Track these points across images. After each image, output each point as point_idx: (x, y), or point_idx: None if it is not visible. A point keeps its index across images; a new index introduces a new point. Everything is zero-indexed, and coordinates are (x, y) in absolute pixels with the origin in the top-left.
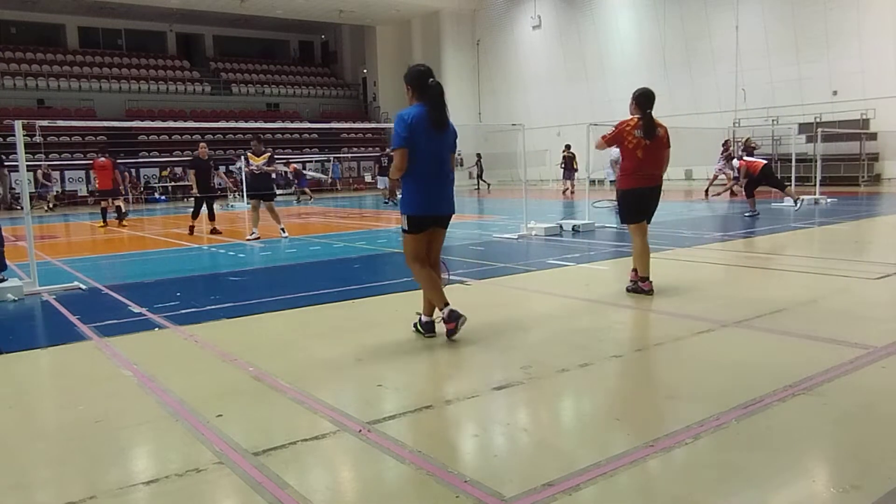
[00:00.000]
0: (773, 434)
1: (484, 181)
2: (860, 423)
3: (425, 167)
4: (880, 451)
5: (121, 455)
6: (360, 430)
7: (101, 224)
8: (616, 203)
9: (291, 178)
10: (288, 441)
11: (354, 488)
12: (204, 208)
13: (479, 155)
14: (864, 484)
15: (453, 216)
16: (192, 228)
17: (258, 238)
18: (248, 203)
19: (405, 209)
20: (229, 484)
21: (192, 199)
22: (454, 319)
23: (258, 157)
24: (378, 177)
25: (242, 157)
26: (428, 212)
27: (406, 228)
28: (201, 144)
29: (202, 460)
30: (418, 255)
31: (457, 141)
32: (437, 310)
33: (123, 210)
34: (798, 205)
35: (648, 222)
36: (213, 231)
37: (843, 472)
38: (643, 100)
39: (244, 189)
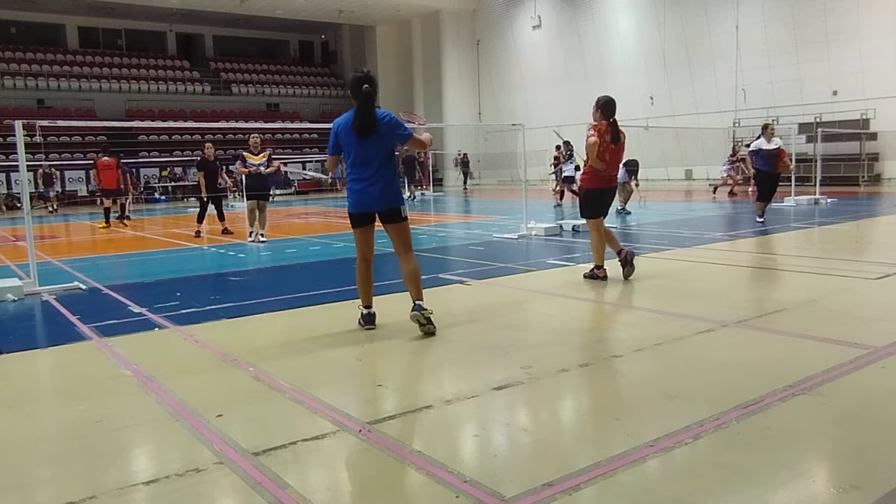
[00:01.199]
0: (773, 434)
1: (468, 179)
2: (860, 423)
3: (354, 169)
4: (880, 451)
5: (121, 455)
6: (360, 430)
7: (104, 224)
8: (580, 199)
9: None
10: (288, 441)
11: (354, 488)
12: (212, 209)
13: (464, 154)
14: (864, 484)
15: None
16: (198, 233)
17: (264, 240)
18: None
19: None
20: (229, 484)
21: (194, 199)
22: (368, 323)
23: (257, 156)
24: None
25: (239, 159)
26: (357, 209)
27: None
28: (207, 145)
29: (202, 460)
30: (360, 250)
31: (401, 133)
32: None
33: (126, 210)
34: (761, 219)
35: (605, 216)
36: (225, 231)
37: (843, 472)
38: (608, 108)
39: (243, 189)
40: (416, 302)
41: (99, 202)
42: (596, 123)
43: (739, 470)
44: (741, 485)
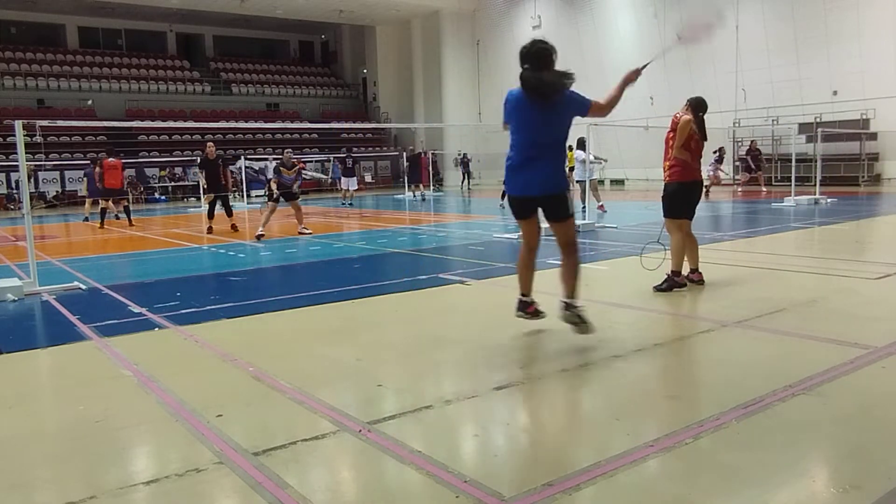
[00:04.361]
0: (773, 434)
1: (468, 180)
2: (860, 423)
3: (521, 144)
4: (880, 451)
5: (121, 455)
6: (360, 430)
7: (100, 225)
8: (664, 197)
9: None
10: (288, 441)
11: (354, 488)
12: (220, 207)
13: (464, 154)
14: (864, 484)
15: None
16: (210, 229)
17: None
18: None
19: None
20: (229, 484)
21: (194, 199)
22: (521, 309)
23: (290, 170)
24: (342, 178)
25: (275, 172)
26: (516, 192)
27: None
28: (209, 144)
29: (202, 460)
30: (526, 239)
31: (582, 101)
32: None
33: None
34: None
35: (692, 218)
36: (233, 227)
37: (843, 472)
38: (698, 107)
39: (270, 193)
40: (566, 301)
41: (111, 202)
42: (679, 113)
43: (739, 470)
44: (741, 485)
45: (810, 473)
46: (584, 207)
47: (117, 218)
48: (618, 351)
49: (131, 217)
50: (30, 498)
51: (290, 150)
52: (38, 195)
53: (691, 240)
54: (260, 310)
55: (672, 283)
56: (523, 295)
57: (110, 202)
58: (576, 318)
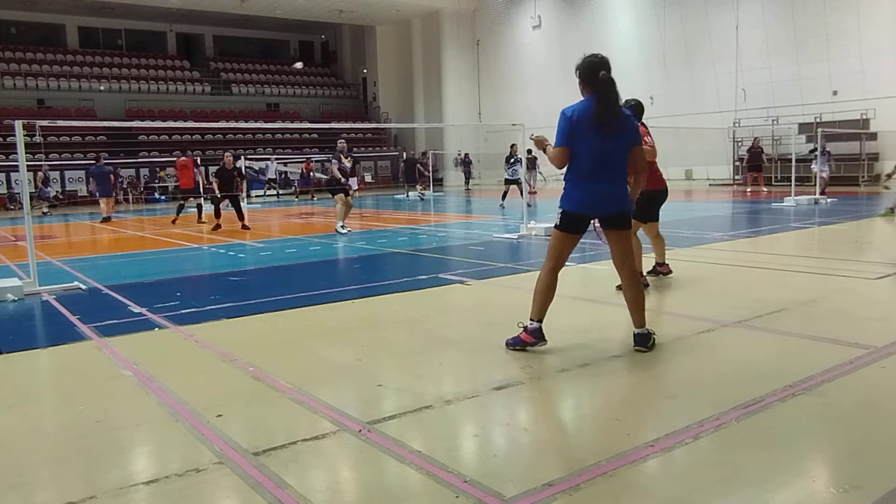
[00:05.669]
0: (774, 434)
1: (470, 179)
2: (860, 423)
3: (590, 167)
4: (880, 451)
5: (121, 455)
6: (360, 430)
7: (207, 221)
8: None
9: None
10: (288, 441)
11: (354, 488)
12: (230, 209)
13: (465, 154)
14: (864, 484)
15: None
16: (217, 226)
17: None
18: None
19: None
20: (229, 484)
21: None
22: (539, 339)
23: (347, 158)
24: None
25: (336, 159)
26: (581, 209)
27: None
28: (226, 155)
29: (202, 460)
30: (557, 259)
31: (637, 138)
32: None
33: (203, 208)
34: None
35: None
36: (244, 227)
37: (843, 472)
38: (636, 111)
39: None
40: (638, 332)
41: (191, 200)
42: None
43: (739, 470)
44: (741, 485)
45: (810, 473)
46: None
47: (108, 220)
48: (618, 351)
49: (200, 217)
50: (30, 498)
51: (343, 140)
52: (39, 195)
53: (659, 239)
54: (260, 310)
55: (655, 272)
56: (540, 320)
57: (108, 203)
58: (651, 345)
